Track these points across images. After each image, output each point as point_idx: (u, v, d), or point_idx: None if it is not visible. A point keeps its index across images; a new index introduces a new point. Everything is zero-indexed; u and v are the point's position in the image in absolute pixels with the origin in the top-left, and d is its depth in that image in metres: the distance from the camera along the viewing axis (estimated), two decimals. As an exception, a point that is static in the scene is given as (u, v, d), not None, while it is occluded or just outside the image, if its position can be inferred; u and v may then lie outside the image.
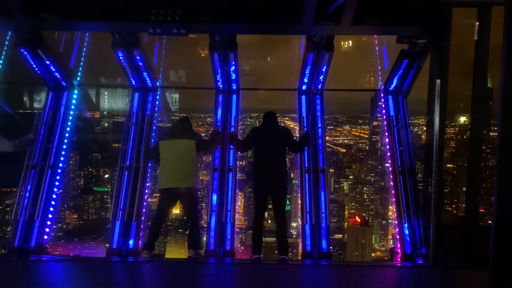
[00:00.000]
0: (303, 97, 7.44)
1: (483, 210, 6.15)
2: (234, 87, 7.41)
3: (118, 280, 5.46)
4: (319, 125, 7.15)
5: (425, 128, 6.92)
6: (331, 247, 6.58)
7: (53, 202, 6.81)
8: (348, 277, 5.45)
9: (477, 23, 5.49)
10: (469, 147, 5.73)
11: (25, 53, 6.66)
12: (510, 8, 3.90)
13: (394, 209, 6.87)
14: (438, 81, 5.60)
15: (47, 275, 5.56)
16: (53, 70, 7.05)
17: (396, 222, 6.67)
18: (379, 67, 7.45)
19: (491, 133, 6.29)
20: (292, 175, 8.46)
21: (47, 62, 6.89)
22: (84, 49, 7.35)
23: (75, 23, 6.33)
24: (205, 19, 5.94)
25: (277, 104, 6.66)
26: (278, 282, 5.20)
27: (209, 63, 6.86)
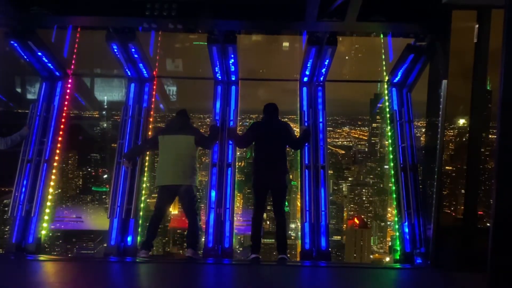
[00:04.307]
0: (304, 89, 7.29)
1: (481, 213, 6.15)
2: (233, 78, 7.25)
3: (116, 280, 5.45)
4: (320, 120, 7.01)
5: (423, 130, 6.91)
6: (329, 249, 6.56)
7: (50, 197, 6.76)
8: (347, 279, 5.46)
9: (477, 26, 5.51)
10: (468, 150, 5.74)
11: (16, 45, 6.53)
12: (510, 11, 3.91)
13: (393, 211, 6.86)
14: (444, 81, 5.58)
15: (45, 275, 5.55)
16: (46, 61, 6.91)
17: (396, 219, 6.63)
18: (383, 57, 7.24)
19: (490, 136, 6.30)
20: (291, 176, 8.43)
21: (39, 54, 6.75)
22: (78, 35, 7.05)
23: (67, 17, 6.22)
24: (203, 14, 5.82)
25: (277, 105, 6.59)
26: (277, 283, 5.20)
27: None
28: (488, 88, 5.92)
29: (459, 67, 6.02)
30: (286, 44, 6.88)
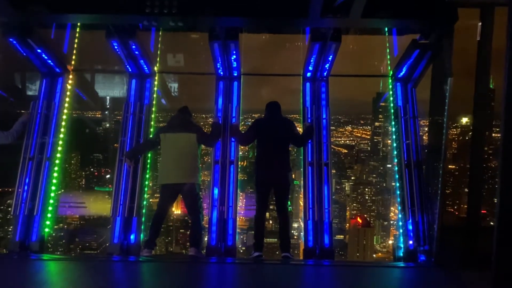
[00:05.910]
0: (308, 84, 7.18)
1: (485, 212, 6.13)
2: (235, 74, 7.14)
3: (118, 280, 5.45)
4: (324, 116, 6.90)
5: (426, 129, 6.87)
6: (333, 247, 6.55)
7: (52, 194, 6.73)
8: (351, 277, 5.44)
9: (480, 24, 5.49)
10: (471, 148, 5.72)
11: (14, 42, 6.43)
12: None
13: (396, 210, 6.82)
14: (450, 79, 5.54)
15: (48, 274, 5.56)
16: (45, 57, 6.82)
17: (400, 216, 6.57)
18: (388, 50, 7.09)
19: (493, 134, 6.29)
20: (293, 175, 8.42)
21: (38, 51, 6.66)
22: (78, 30, 6.93)
23: (65, 15, 6.14)
24: (204, 12, 5.74)
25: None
26: (280, 281, 5.19)
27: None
28: (491, 86, 5.90)
29: (462, 66, 6.00)
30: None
